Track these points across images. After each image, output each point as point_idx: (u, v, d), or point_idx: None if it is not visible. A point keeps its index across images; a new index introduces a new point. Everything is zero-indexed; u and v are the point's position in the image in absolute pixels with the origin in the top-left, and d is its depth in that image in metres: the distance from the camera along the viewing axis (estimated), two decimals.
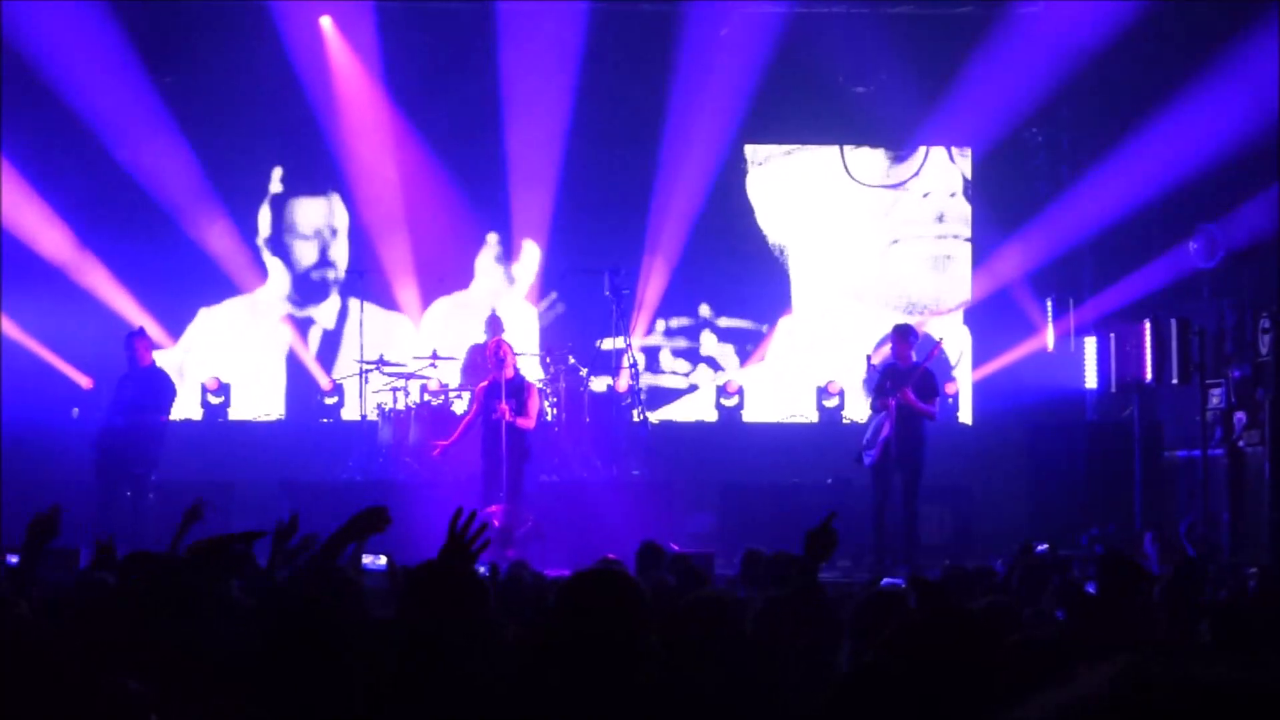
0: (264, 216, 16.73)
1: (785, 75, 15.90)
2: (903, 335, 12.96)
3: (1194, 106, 14.16)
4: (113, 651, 4.11)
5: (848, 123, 16.57)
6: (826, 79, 16.12)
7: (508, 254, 16.84)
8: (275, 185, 16.73)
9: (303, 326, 16.73)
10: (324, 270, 16.84)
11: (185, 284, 16.24)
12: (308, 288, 16.81)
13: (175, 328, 16.32)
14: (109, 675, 3.62)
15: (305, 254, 16.80)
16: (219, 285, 16.43)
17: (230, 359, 16.44)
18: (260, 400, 16.46)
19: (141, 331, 13.31)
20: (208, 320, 16.55)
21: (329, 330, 16.72)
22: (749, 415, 16.53)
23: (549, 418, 14.17)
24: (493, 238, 16.85)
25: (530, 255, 16.75)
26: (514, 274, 16.85)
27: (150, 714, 3.54)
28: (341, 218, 16.81)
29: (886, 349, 13.81)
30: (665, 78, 15.89)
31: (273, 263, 16.76)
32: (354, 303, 16.19)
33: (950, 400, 15.66)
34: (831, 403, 16.21)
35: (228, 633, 4.78)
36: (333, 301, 16.80)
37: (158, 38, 15.56)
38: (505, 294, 16.77)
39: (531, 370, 14.55)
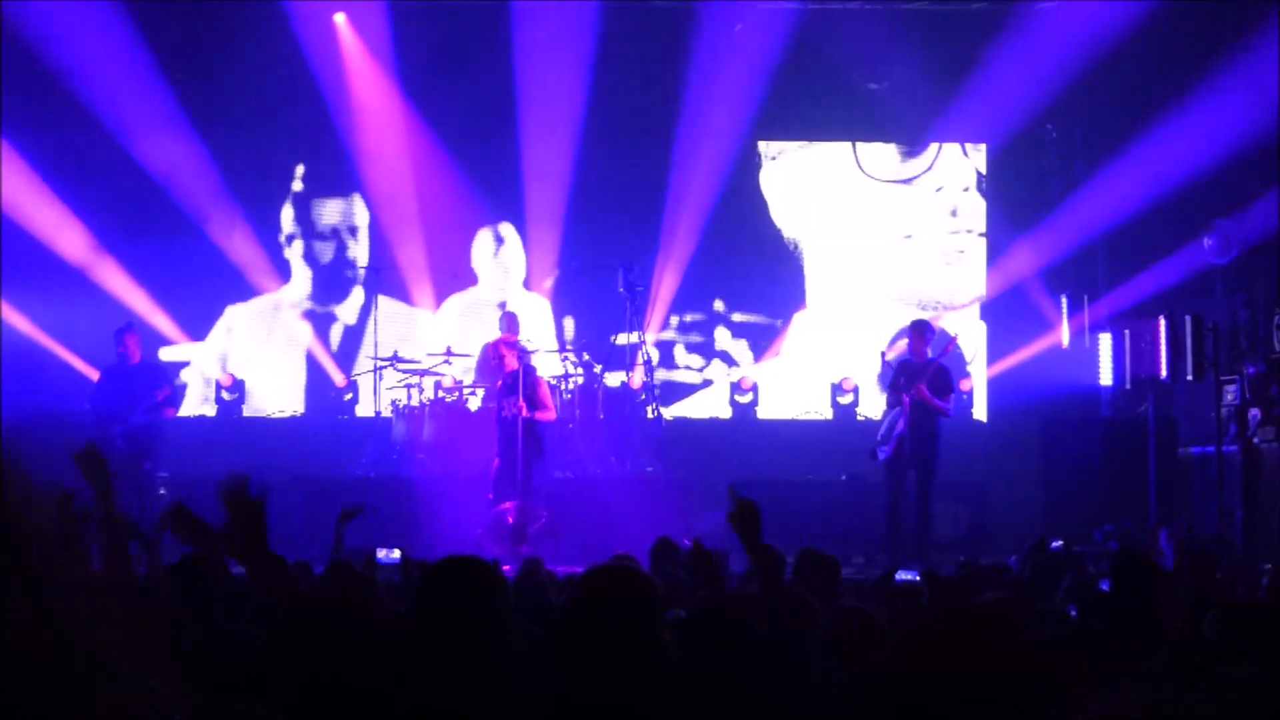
0: (286, 215, 16.77)
1: (799, 71, 15.87)
2: (919, 331, 12.94)
3: (1208, 103, 14.11)
4: (132, 648, 4.12)
5: (861, 118, 16.55)
6: (840, 75, 16.09)
7: (497, 245, 16.91)
8: (297, 184, 16.78)
9: (323, 324, 16.74)
10: (344, 269, 16.86)
11: (205, 284, 16.29)
12: (328, 286, 16.84)
13: (191, 326, 16.37)
14: (132, 671, 3.63)
15: (325, 252, 16.84)
16: (239, 285, 16.48)
17: (252, 356, 16.48)
18: (280, 397, 16.47)
19: (131, 326, 13.30)
20: (233, 318, 16.58)
21: (350, 327, 16.73)
22: (763, 412, 16.52)
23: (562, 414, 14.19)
24: (484, 232, 16.89)
25: (513, 241, 16.78)
26: (505, 264, 16.90)
27: (173, 711, 3.55)
28: (361, 215, 16.84)
29: (902, 344, 13.81)
30: (679, 73, 15.87)
31: (295, 261, 16.79)
32: (372, 300, 16.22)
33: (965, 397, 15.64)
34: (846, 399, 16.19)
35: (240, 628, 4.79)
36: (353, 299, 16.82)
37: (174, 38, 15.58)
38: (510, 286, 16.80)
39: (550, 365, 14.56)
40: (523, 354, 12.98)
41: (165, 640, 4.22)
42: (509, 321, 14.19)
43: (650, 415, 14.69)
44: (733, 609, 4.37)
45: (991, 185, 16.71)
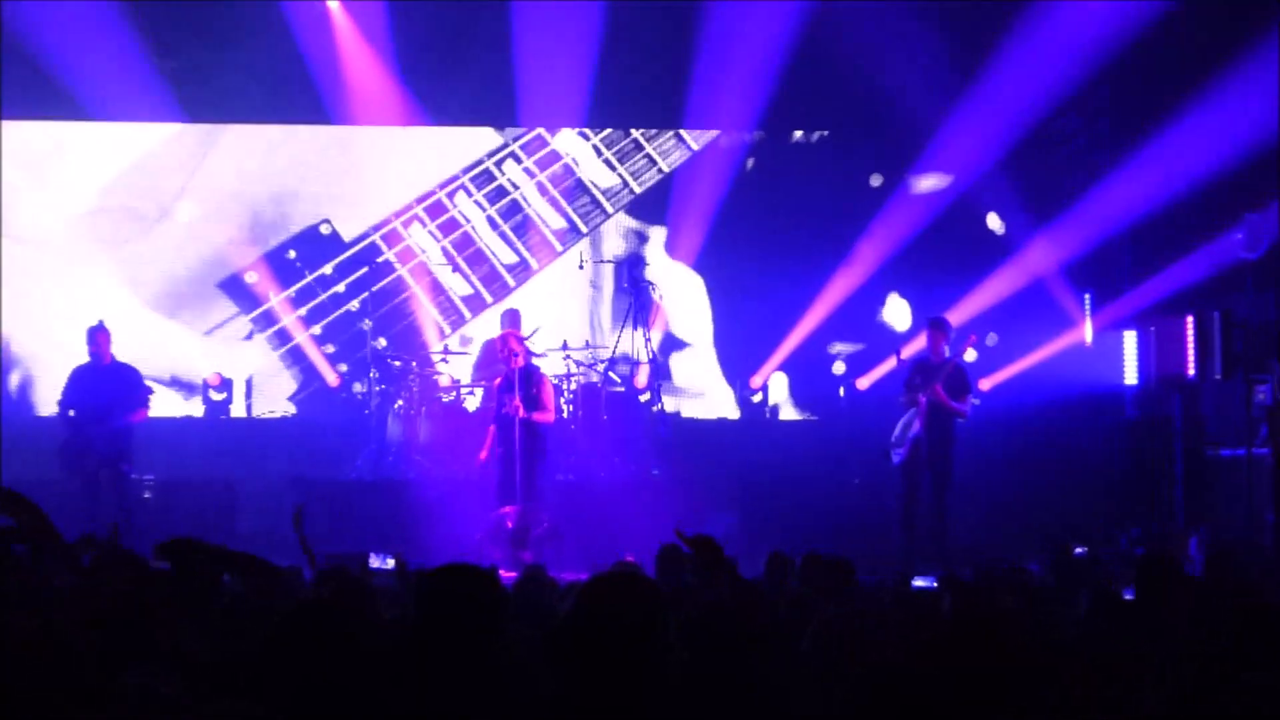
0: None
1: (810, 62, 15.81)
2: (937, 327, 12.90)
3: (1237, 91, 14.06)
4: (127, 650, 4.15)
5: (875, 110, 16.47)
6: (853, 65, 16.00)
7: None
8: None
9: (313, 318, 16.72)
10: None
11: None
12: (320, 278, 16.83)
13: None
14: (131, 674, 3.65)
15: None
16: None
17: (242, 353, 16.48)
18: (272, 397, 16.45)
19: (103, 325, 13.26)
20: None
21: (338, 323, 16.69)
22: (771, 398, 16.52)
23: (565, 414, 14.16)
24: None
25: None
26: None
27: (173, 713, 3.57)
28: None
29: (917, 343, 13.78)
30: (686, 64, 15.83)
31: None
32: (365, 295, 16.21)
33: (977, 402, 15.60)
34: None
35: (233, 632, 4.80)
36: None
37: (161, 21, 15.58)
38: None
39: (553, 365, 14.54)
40: (528, 352, 12.96)
41: (161, 643, 4.24)
42: (512, 318, 14.18)
43: (654, 410, 14.69)
44: (734, 610, 4.37)
45: (1011, 178, 16.63)
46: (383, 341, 15.50)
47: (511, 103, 16.05)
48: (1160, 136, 14.81)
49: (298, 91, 15.92)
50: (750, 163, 16.80)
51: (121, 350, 13.27)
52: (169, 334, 16.22)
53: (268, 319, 16.47)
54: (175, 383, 16.07)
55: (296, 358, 16.47)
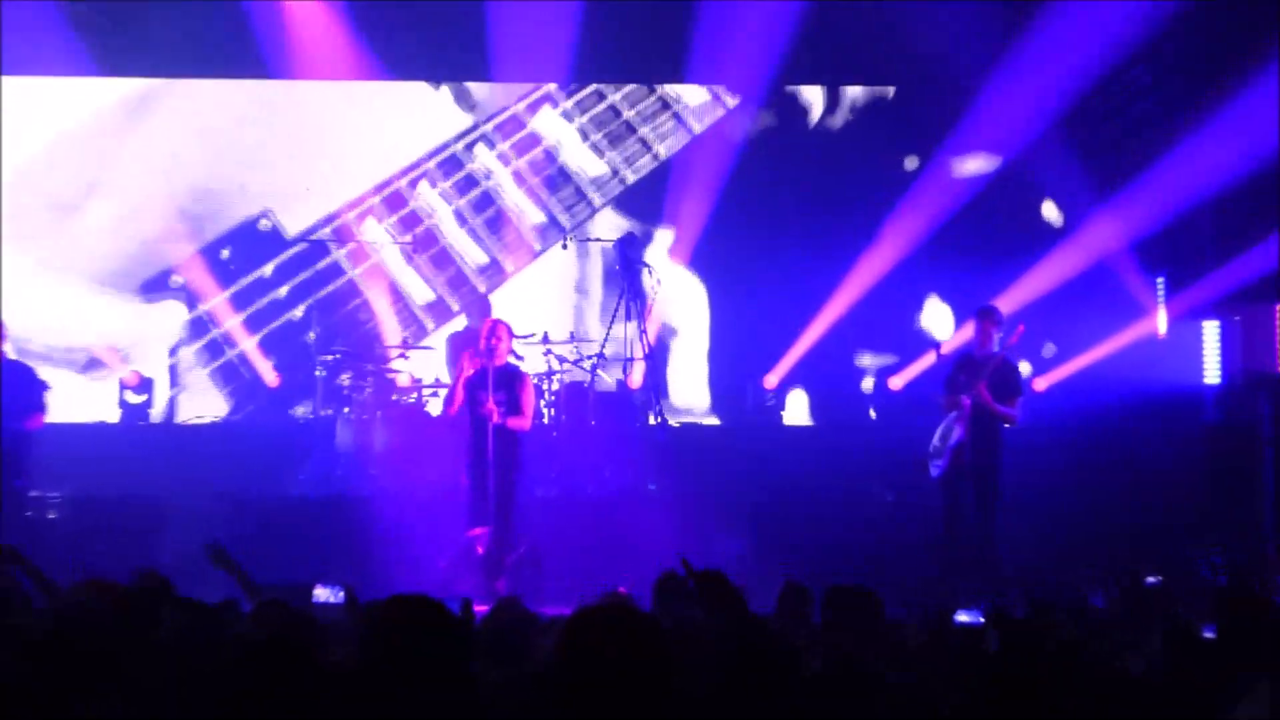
0: None
1: (834, 15, 15.80)
2: (987, 317, 12.87)
3: None
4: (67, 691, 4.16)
5: (910, 73, 16.46)
6: (887, 18, 15.98)
7: None
8: None
9: (250, 327, 16.71)
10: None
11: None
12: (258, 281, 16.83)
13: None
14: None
15: None
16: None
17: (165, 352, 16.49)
18: (204, 400, 16.43)
19: None
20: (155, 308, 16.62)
21: (279, 333, 16.65)
22: (789, 417, 16.50)
23: (546, 419, 14.14)
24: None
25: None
26: None
27: None
28: None
29: (960, 336, 13.78)
30: (687, 10, 15.81)
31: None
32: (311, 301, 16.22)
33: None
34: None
35: (176, 673, 4.80)
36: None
37: None
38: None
39: (534, 361, 14.52)
40: (513, 350, 12.93)
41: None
42: (483, 307, 14.15)
43: (652, 422, 14.67)
44: (742, 650, 4.37)
45: (1070, 144, 16.63)
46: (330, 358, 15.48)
47: (483, 54, 16.00)
48: (1246, 92, 14.80)
49: (232, 40, 15.89)
50: (761, 146, 16.75)
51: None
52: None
53: (197, 327, 16.43)
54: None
55: (229, 376, 16.42)
